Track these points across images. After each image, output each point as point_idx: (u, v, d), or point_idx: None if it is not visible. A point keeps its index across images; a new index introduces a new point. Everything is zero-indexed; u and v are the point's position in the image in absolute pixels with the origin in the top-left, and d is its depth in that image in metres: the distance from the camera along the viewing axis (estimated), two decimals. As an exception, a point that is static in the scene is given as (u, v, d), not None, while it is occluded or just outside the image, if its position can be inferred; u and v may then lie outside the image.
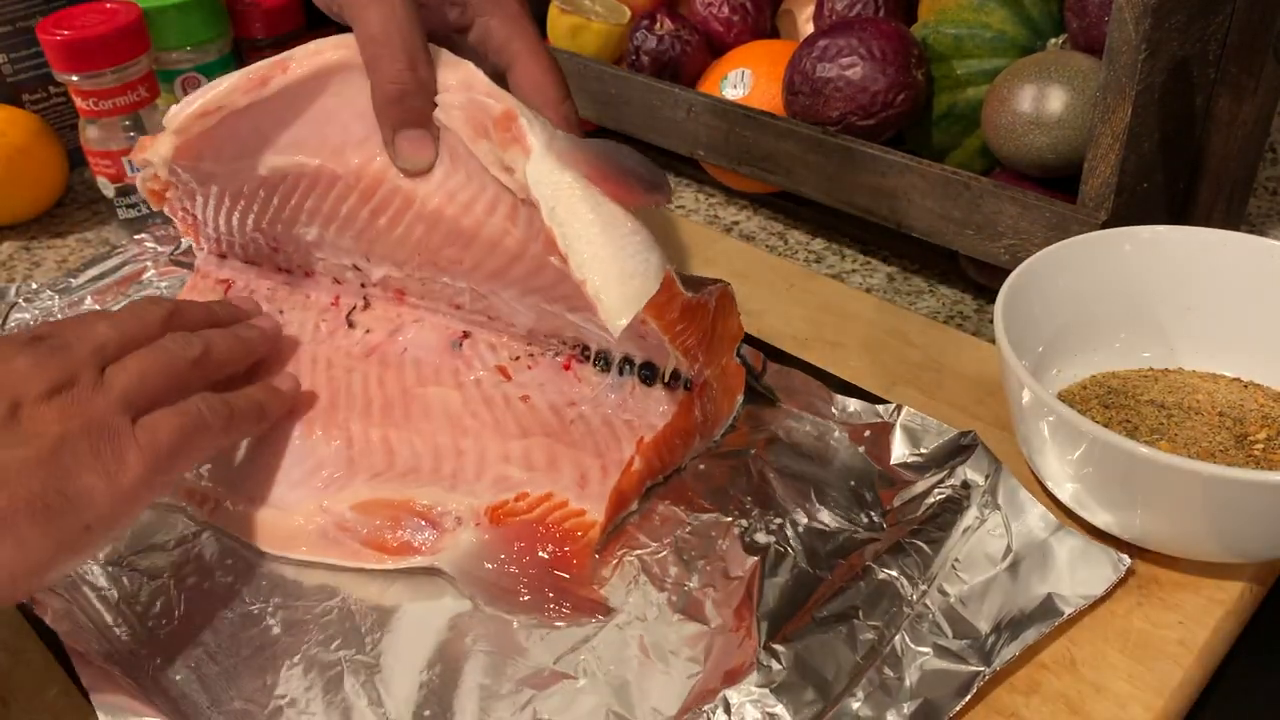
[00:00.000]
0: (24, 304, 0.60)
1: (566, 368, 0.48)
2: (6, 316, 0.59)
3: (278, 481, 0.46)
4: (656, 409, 0.46)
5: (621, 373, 0.47)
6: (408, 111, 0.44)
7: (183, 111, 0.48)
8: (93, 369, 0.39)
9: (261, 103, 0.47)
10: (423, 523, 0.44)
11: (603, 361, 0.48)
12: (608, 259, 0.40)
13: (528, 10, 0.49)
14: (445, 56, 0.46)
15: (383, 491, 0.45)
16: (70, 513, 0.35)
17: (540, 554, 0.43)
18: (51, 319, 0.59)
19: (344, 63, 0.46)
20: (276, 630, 0.41)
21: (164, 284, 0.62)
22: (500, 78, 0.46)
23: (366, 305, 0.52)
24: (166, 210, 0.55)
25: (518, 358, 0.49)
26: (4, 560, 0.33)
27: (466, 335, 0.50)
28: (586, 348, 0.48)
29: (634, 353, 0.47)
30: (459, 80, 0.45)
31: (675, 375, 0.46)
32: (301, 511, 0.45)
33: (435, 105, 0.45)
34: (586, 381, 0.48)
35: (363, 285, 0.52)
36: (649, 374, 0.47)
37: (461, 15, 0.48)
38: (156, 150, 0.50)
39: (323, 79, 0.47)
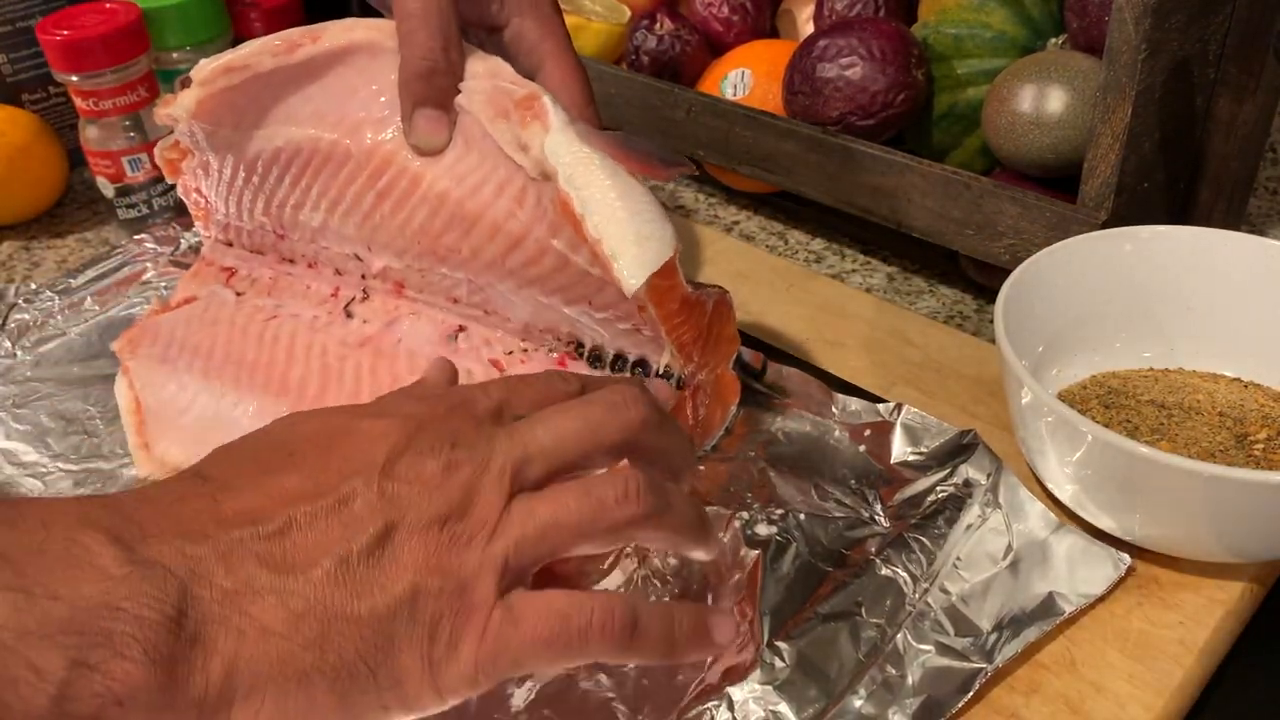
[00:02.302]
0: (24, 304, 0.60)
1: (561, 364, 0.48)
2: (6, 317, 0.59)
3: None
4: None
5: (615, 369, 0.47)
6: (432, 89, 0.45)
7: (210, 65, 0.49)
8: (498, 499, 0.31)
9: (286, 69, 0.48)
10: None
11: (596, 358, 0.48)
12: (624, 220, 0.41)
13: (561, 16, 0.50)
14: (475, 50, 0.47)
15: None
16: (372, 691, 0.30)
17: None
18: (51, 320, 0.59)
19: (374, 42, 0.47)
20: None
21: (163, 284, 0.62)
22: (529, 79, 0.47)
23: (365, 297, 0.52)
24: (179, 191, 0.55)
25: (511, 352, 0.49)
26: (286, 710, 0.29)
27: (462, 329, 0.50)
28: (581, 344, 0.48)
29: (628, 349, 0.47)
30: (486, 69, 0.46)
31: (668, 374, 0.46)
32: None
33: (459, 91, 0.46)
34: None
35: (363, 277, 0.52)
36: (642, 372, 0.47)
37: (500, 12, 0.48)
38: (180, 103, 0.50)
39: (350, 54, 0.47)
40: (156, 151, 0.54)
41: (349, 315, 0.52)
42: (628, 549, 0.43)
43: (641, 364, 0.47)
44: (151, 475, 0.48)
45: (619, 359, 0.47)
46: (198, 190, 0.55)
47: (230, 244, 0.56)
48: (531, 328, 0.49)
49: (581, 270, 0.44)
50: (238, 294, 0.55)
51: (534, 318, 0.48)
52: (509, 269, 0.47)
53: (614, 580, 0.42)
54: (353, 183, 0.49)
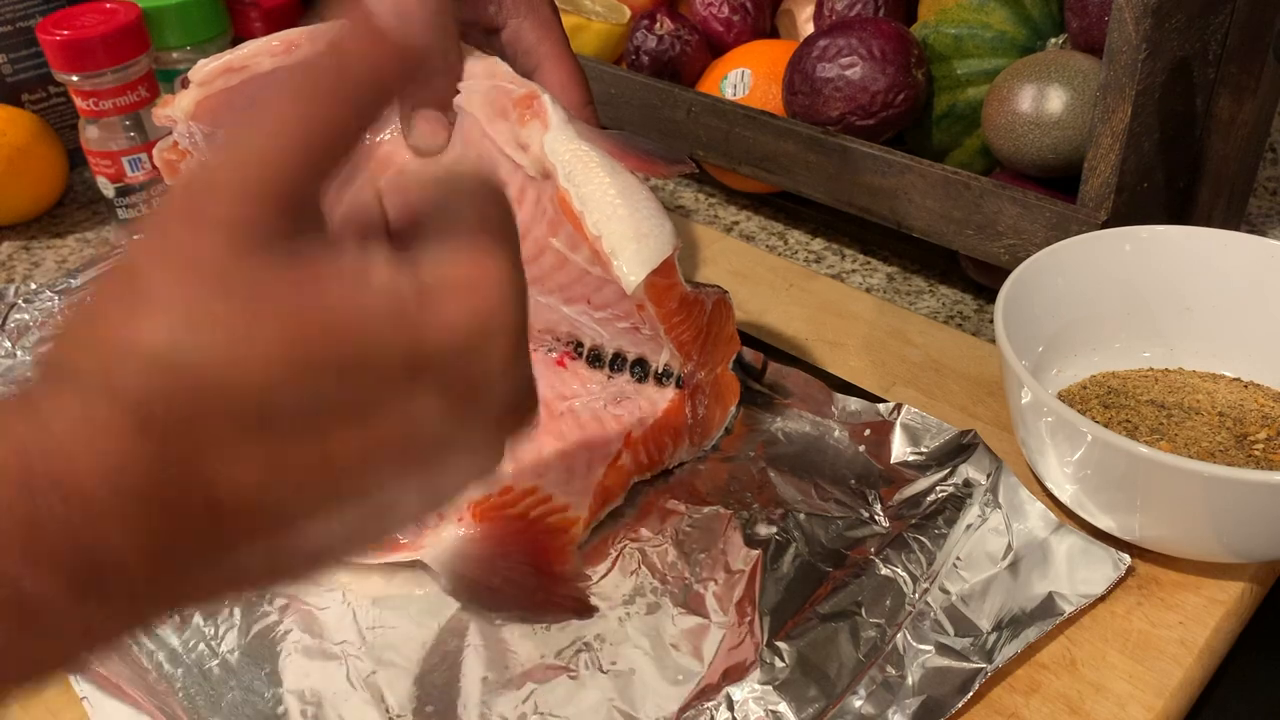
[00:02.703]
0: (23, 305, 0.60)
1: (560, 364, 0.48)
2: (6, 317, 0.59)
3: None
4: (647, 405, 0.46)
5: (614, 368, 0.47)
6: (431, 91, 0.44)
7: (208, 65, 0.48)
8: None
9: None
10: None
11: (595, 358, 0.48)
12: (624, 218, 0.41)
13: (559, 17, 0.50)
14: (473, 50, 0.47)
15: None
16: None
17: (524, 550, 0.43)
18: (51, 320, 0.59)
19: None
20: (277, 623, 0.41)
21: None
22: (527, 80, 0.47)
23: None
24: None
25: None
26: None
27: None
28: (580, 344, 0.48)
29: (627, 348, 0.47)
30: (484, 69, 0.46)
31: (668, 373, 0.46)
32: None
33: (457, 92, 0.45)
34: (578, 377, 0.48)
35: None
36: (641, 371, 0.47)
37: (497, 13, 0.48)
38: (179, 104, 0.50)
39: None
40: (155, 153, 0.54)
41: None
42: (630, 546, 0.43)
43: (641, 363, 0.47)
44: None
45: (618, 358, 0.47)
46: None
47: None
48: (529, 329, 0.49)
49: (580, 269, 0.44)
50: None
51: (531, 318, 0.48)
52: None
53: (613, 580, 0.42)
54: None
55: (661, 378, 0.46)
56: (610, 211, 0.41)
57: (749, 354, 0.51)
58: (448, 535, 0.43)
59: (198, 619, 0.41)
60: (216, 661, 0.40)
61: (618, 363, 0.47)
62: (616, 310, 0.45)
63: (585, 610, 0.41)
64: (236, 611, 0.42)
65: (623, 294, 0.42)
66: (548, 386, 0.48)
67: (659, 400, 0.46)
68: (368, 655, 0.40)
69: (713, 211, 0.72)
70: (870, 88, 0.58)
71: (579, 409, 0.47)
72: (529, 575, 0.42)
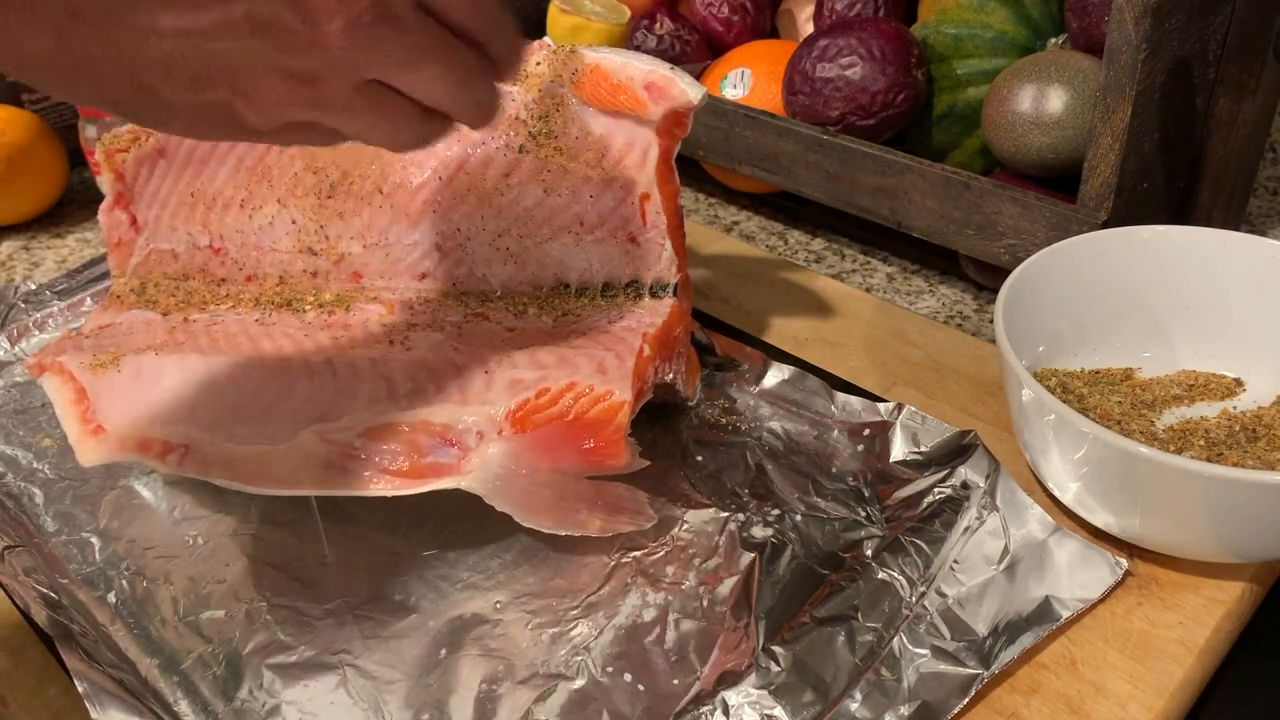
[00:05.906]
0: (24, 305, 0.60)
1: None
2: (6, 317, 0.59)
3: (262, 417, 0.43)
4: (648, 318, 0.47)
5: (605, 296, 0.48)
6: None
7: None
8: None
9: None
10: (443, 443, 0.42)
11: (584, 291, 0.48)
12: (661, 64, 0.45)
13: None
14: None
15: (389, 416, 0.43)
16: None
17: (572, 452, 0.42)
18: (51, 319, 0.59)
19: None
20: (275, 631, 0.41)
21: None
22: None
23: (317, 301, 0.50)
24: (103, 223, 0.52)
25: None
26: None
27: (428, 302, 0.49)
28: (565, 286, 0.48)
29: (619, 271, 0.48)
30: None
31: (662, 285, 0.47)
32: (298, 444, 0.42)
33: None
34: (572, 311, 0.48)
35: (314, 276, 0.50)
36: (636, 291, 0.48)
37: None
38: None
39: None
40: (100, 143, 0.51)
41: (300, 311, 0.49)
42: (626, 555, 0.43)
43: (633, 284, 0.48)
44: (110, 457, 0.44)
45: (608, 288, 0.48)
46: (128, 209, 0.52)
47: (142, 289, 0.53)
48: (511, 284, 0.49)
49: (580, 178, 0.45)
50: (163, 313, 0.50)
51: (515, 272, 0.48)
52: (496, 209, 0.47)
53: (610, 589, 0.42)
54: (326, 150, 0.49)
55: (656, 290, 0.47)
56: (649, 61, 0.44)
57: (750, 354, 0.52)
58: (492, 454, 0.42)
59: (195, 626, 0.41)
60: (215, 671, 0.40)
61: (609, 292, 0.48)
62: (613, 222, 0.46)
63: (645, 516, 0.42)
64: (235, 619, 0.42)
65: (623, 198, 0.44)
66: (544, 318, 0.48)
67: (659, 309, 0.47)
68: (365, 664, 0.39)
69: (713, 211, 0.71)
70: (870, 88, 0.58)
71: (584, 328, 0.46)
72: (581, 479, 0.42)
